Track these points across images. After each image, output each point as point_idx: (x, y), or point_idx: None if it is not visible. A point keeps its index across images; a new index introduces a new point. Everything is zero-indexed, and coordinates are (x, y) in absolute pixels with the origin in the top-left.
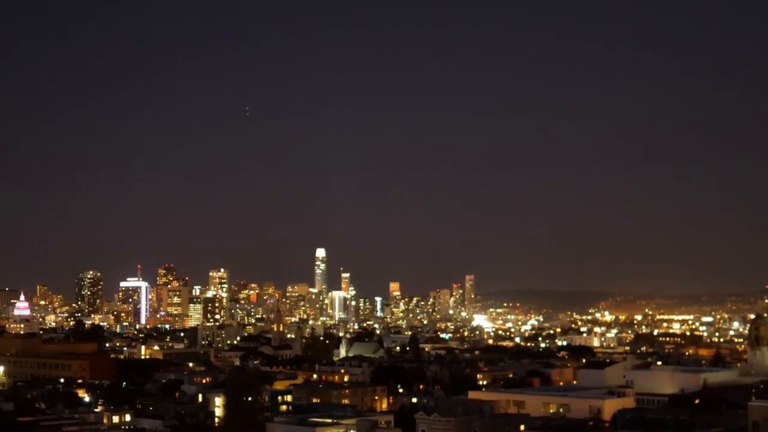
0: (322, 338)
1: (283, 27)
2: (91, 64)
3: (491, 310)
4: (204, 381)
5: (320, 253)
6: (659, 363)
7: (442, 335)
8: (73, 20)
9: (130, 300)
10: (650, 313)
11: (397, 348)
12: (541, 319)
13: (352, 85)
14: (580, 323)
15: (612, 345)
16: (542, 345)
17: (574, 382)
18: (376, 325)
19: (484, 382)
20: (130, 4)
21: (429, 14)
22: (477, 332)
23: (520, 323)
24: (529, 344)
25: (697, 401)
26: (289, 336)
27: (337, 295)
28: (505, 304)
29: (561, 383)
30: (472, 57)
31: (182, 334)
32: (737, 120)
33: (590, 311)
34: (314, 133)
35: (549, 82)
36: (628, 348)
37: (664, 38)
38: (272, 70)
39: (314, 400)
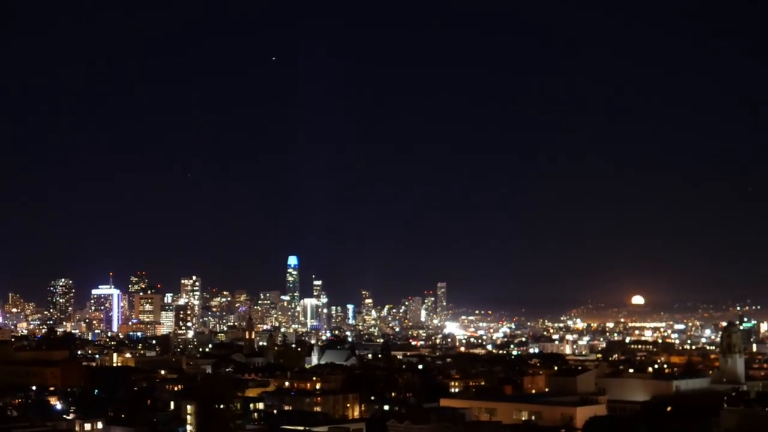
0: (294, 346)
1: (251, 39)
2: (66, 70)
3: (463, 317)
4: (176, 388)
5: (292, 260)
6: (631, 370)
7: (414, 343)
8: (58, 20)
9: (102, 307)
10: (622, 320)
11: (369, 356)
12: (513, 327)
13: (330, 94)
14: (551, 331)
15: (584, 352)
16: (514, 352)
17: (546, 389)
18: (348, 333)
19: (456, 390)
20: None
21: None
22: (449, 340)
23: (492, 331)
24: (501, 352)
25: (669, 409)
26: (261, 343)
27: (309, 302)
28: (477, 312)
29: (533, 391)
30: (451, 72)
31: (154, 341)
32: (708, 131)
33: (562, 319)
34: (288, 140)
35: (518, 96)
36: (600, 355)
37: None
38: (250, 80)
39: (286, 408)
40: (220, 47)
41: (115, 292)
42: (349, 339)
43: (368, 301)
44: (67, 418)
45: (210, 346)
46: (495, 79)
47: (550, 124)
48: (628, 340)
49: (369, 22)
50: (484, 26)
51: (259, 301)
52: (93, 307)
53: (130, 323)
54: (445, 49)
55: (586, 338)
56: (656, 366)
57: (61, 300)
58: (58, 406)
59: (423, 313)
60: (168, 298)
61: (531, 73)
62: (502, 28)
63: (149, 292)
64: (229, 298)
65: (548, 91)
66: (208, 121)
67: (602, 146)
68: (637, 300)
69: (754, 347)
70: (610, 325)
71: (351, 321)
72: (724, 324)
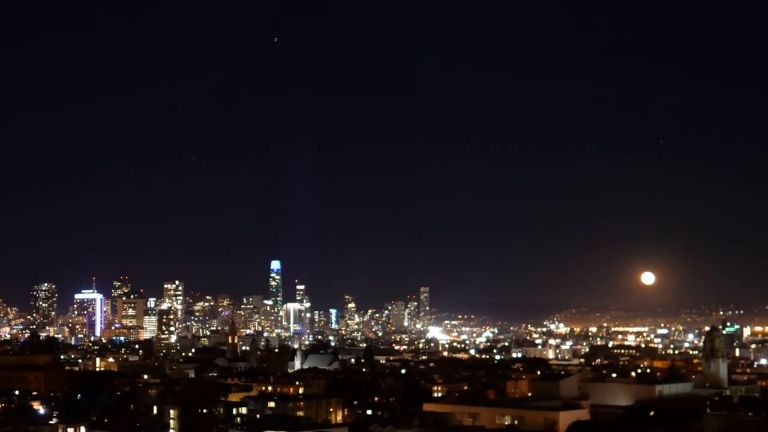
0: (277, 350)
1: (235, 35)
2: (46, 71)
3: (446, 322)
4: (159, 393)
5: (275, 264)
6: (614, 375)
7: (397, 347)
8: (39, 21)
9: (85, 312)
10: (605, 325)
11: (352, 360)
12: (496, 331)
13: (313, 98)
14: (534, 335)
15: (567, 357)
16: (497, 357)
17: (529, 394)
18: (331, 337)
19: (439, 394)
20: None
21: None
22: (432, 344)
23: (474, 335)
24: (483, 356)
25: (652, 413)
26: (244, 348)
27: (292, 307)
28: (460, 316)
29: (516, 395)
30: (434, 80)
31: (137, 346)
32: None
33: (545, 323)
34: (271, 144)
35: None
36: (583, 360)
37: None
38: (234, 84)
39: (269, 413)
40: (200, 45)
41: (98, 297)
42: (332, 343)
43: (351, 305)
44: (51, 422)
45: (193, 350)
46: (480, 77)
47: (534, 124)
48: (611, 344)
49: (353, 20)
50: (469, 24)
51: (242, 306)
52: (76, 312)
53: (113, 328)
54: (429, 47)
55: (569, 343)
56: (639, 371)
57: (44, 304)
58: (42, 410)
59: (406, 317)
60: (151, 302)
61: (513, 69)
62: (486, 26)
63: (132, 296)
64: (211, 303)
65: (530, 91)
66: (190, 124)
67: (587, 149)
68: (647, 278)
69: (737, 352)
70: (593, 329)
71: (334, 325)
72: (707, 329)
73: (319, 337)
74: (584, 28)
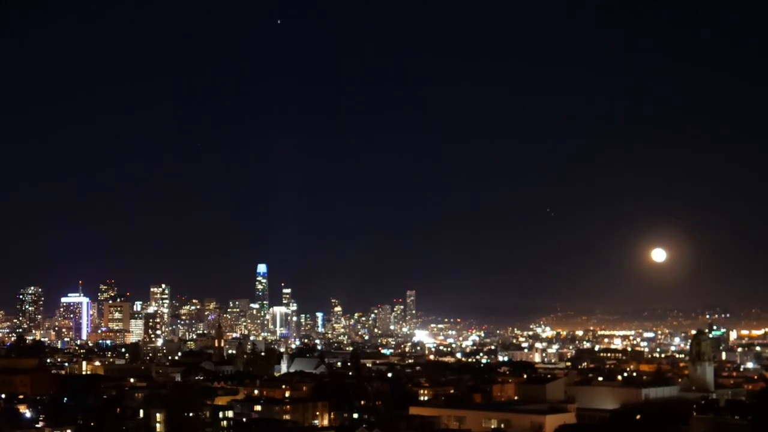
0: (263, 354)
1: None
2: (35, 71)
3: (432, 325)
4: (145, 396)
5: (261, 268)
6: (600, 378)
7: (384, 351)
8: (29, 23)
9: (72, 315)
10: (591, 328)
11: (339, 364)
12: (482, 335)
13: (301, 102)
14: (521, 339)
15: (553, 360)
16: (483, 360)
17: (515, 397)
18: (318, 341)
19: (426, 398)
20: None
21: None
22: (418, 348)
23: (461, 339)
24: (470, 360)
25: (638, 417)
26: (230, 351)
27: (278, 310)
28: (446, 320)
29: (502, 399)
30: (424, 81)
31: (123, 349)
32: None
33: (531, 327)
34: (258, 147)
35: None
36: (569, 363)
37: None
38: (220, 82)
39: (255, 416)
40: (183, 43)
41: (85, 300)
42: (319, 347)
43: (337, 309)
44: (37, 426)
45: (179, 354)
46: (467, 69)
47: (521, 129)
48: (597, 348)
49: (341, 13)
50: (454, 15)
51: (229, 309)
52: (62, 315)
53: (99, 331)
54: (417, 40)
55: (555, 346)
56: (625, 374)
57: (30, 308)
58: (28, 414)
59: (392, 321)
60: (137, 306)
61: (505, 60)
62: (485, 17)
63: (118, 300)
64: (198, 306)
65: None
66: (177, 126)
67: (573, 155)
68: (658, 255)
69: (724, 355)
70: (580, 333)
71: (320, 329)
72: (694, 332)
73: (306, 340)
74: (583, 19)
